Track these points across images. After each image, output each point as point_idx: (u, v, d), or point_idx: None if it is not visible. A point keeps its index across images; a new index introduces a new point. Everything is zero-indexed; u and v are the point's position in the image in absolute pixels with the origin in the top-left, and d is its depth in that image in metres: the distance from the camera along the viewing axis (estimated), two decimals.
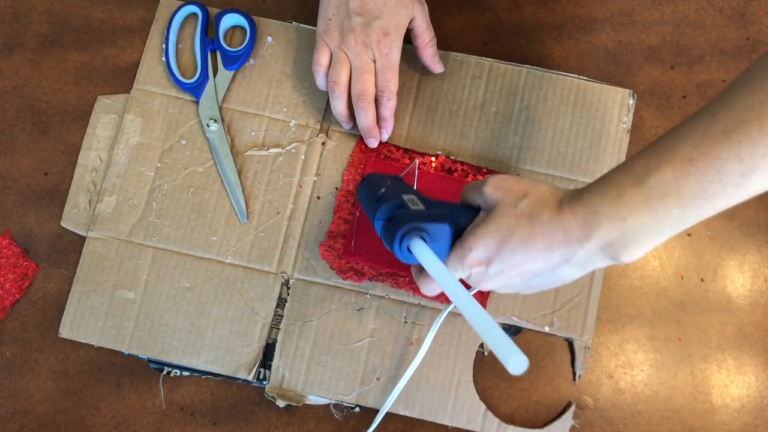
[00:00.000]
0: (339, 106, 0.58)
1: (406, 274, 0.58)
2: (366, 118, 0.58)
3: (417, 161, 0.60)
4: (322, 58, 0.58)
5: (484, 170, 0.60)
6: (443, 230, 0.46)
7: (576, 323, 0.58)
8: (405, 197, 0.50)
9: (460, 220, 0.47)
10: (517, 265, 0.44)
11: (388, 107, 0.58)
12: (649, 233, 0.40)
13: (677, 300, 0.60)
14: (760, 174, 0.37)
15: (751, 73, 0.38)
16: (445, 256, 0.47)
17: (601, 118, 0.61)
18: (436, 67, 0.61)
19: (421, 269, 0.49)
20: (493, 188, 0.47)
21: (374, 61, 0.57)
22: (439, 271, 0.44)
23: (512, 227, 0.44)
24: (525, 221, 0.44)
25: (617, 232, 0.41)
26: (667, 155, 0.39)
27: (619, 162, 0.60)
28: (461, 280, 0.46)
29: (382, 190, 0.51)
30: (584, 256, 0.42)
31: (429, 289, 0.49)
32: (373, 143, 0.60)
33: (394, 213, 0.48)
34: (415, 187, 0.59)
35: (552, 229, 0.43)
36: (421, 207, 0.49)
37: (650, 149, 0.41)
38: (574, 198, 0.43)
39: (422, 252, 0.45)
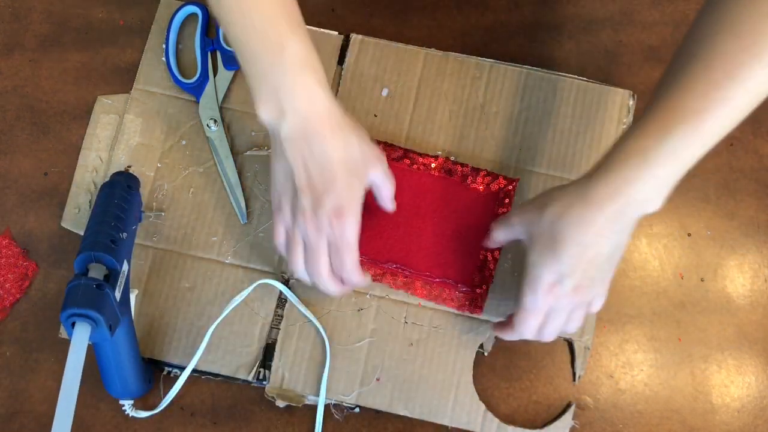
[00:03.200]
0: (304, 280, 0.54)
1: (409, 269, 0.58)
2: (326, 288, 0.53)
3: None
4: (280, 236, 0.53)
5: (483, 172, 0.60)
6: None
7: None
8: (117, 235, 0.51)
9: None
10: (585, 248, 0.46)
11: (349, 279, 0.52)
12: (675, 176, 0.45)
13: (677, 300, 0.60)
14: (744, 106, 0.43)
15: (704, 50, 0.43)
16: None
17: (601, 118, 0.61)
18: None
19: None
20: (518, 219, 0.52)
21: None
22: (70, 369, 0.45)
23: (559, 224, 0.47)
24: (571, 207, 0.47)
25: (654, 182, 0.45)
26: (678, 114, 0.43)
27: None
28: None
29: (113, 221, 0.51)
30: (631, 212, 0.46)
31: None
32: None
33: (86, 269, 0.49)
34: None
35: (591, 195, 0.46)
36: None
37: (649, 117, 0.45)
38: (594, 174, 0.46)
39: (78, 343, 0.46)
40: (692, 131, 0.43)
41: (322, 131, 0.48)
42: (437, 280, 0.58)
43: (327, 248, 0.50)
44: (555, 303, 0.49)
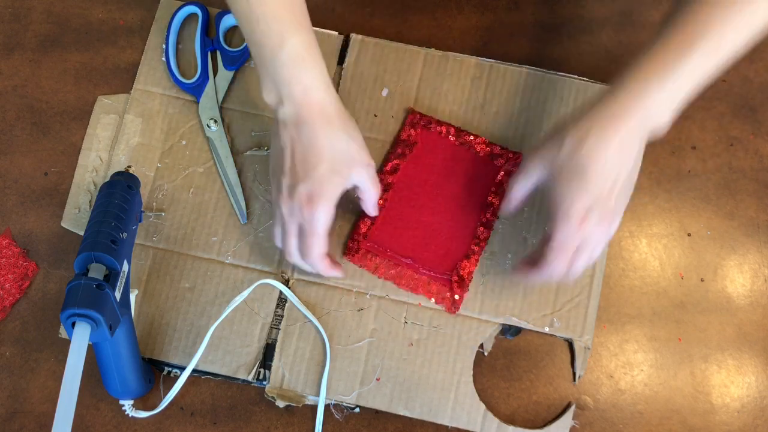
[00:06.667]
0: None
1: (419, 261, 0.58)
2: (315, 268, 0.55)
3: None
4: (276, 222, 0.55)
5: (497, 148, 0.60)
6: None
7: (576, 323, 0.58)
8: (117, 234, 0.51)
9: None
10: (609, 172, 0.47)
11: (315, 267, 0.54)
12: (687, 91, 0.47)
13: (677, 300, 0.60)
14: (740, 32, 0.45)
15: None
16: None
17: None
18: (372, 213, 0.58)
19: None
20: (535, 162, 0.51)
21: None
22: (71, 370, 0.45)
23: (582, 152, 0.48)
24: (589, 132, 0.48)
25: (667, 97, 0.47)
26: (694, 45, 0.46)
27: None
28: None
29: (113, 221, 0.51)
30: (646, 127, 0.47)
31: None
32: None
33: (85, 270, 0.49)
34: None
35: (608, 115, 0.48)
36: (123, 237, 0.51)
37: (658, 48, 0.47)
38: (607, 96, 0.49)
39: (79, 341, 0.46)
40: (712, 46, 0.45)
41: (312, 122, 0.50)
42: (421, 272, 0.58)
43: (297, 231, 0.52)
44: (585, 235, 0.49)
